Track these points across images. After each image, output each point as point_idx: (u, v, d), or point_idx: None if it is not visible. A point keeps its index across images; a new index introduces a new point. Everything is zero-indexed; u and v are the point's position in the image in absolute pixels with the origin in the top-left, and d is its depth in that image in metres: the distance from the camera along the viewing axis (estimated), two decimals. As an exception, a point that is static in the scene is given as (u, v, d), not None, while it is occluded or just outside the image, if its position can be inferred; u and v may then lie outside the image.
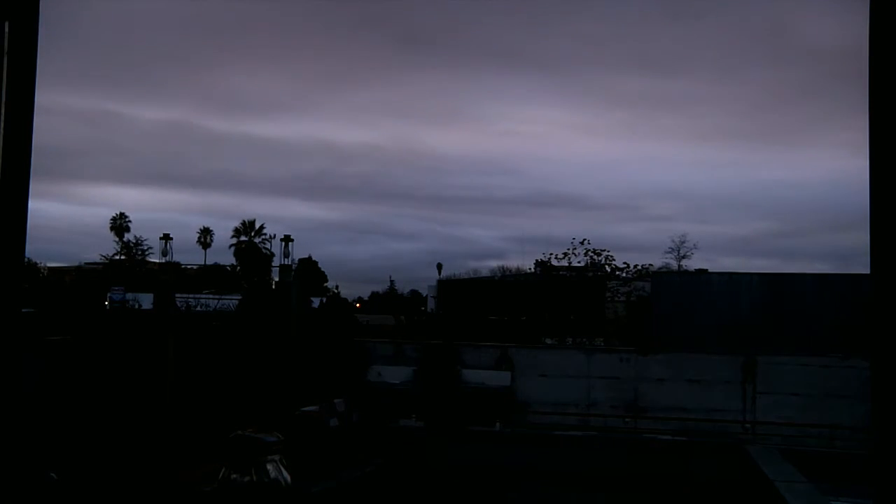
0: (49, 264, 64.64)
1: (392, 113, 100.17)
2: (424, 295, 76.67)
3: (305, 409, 13.91)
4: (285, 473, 9.74)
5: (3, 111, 3.29)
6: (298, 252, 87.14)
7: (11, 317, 3.40)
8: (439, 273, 68.39)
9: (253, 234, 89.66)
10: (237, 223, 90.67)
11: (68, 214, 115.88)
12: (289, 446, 10.18)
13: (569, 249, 26.03)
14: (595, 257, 26.08)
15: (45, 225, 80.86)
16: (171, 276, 65.17)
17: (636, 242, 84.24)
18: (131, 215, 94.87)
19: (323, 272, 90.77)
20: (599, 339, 21.13)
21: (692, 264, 35.33)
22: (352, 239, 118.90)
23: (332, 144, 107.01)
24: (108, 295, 39.02)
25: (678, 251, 35.83)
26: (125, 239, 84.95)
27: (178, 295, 35.22)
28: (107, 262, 73.51)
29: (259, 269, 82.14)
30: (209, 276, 71.77)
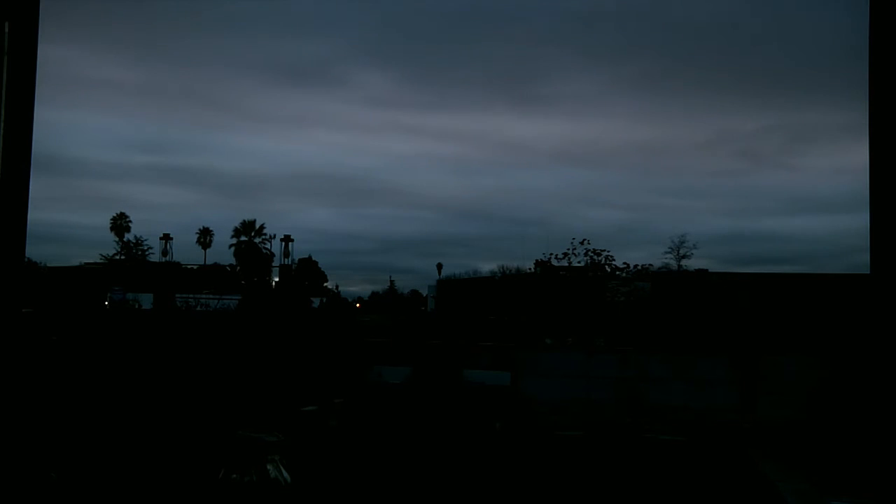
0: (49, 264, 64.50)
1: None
2: (424, 295, 76.68)
3: (305, 409, 13.92)
4: (285, 473, 9.73)
5: (3, 111, 3.28)
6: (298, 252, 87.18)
7: (11, 317, 3.39)
8: (439, 273, 68.46)
9: (253, 234, 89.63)
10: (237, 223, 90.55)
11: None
12: (289, 446, 10.18)
13: (569, 249, 25.99)
14: (595, 257, 26.04)
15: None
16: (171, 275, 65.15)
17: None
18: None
19: (323, 272, 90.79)
20: (600, 339, 21.09)
21: (692, 264, 35.26)
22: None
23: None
24: (109, 295, 39.08)
25: (678, 251, 35.76)
26: (125, 239, 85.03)
27: (177, 294, 35.25)
28: (107, 262, 73.55)
29: (259, 269, 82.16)
30: (209, 276, 71.77)
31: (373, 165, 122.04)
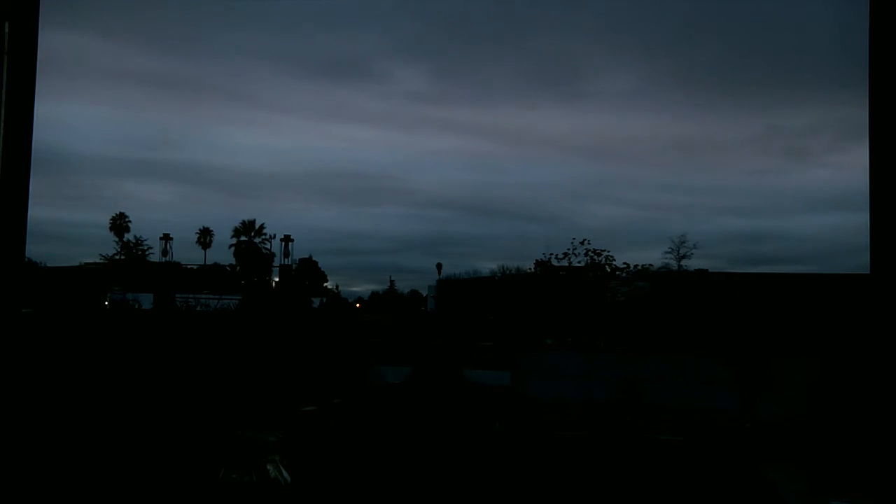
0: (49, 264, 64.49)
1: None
2: (424, 295, 76.72)
3: (305, 408, 13.93)
4: (285, 473, 9.72)
5: (3, 111, 3.29)
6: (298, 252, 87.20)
7: (11, 317, 3.39)
8: (439, 273, 68.49)
9: (253, 234, 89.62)
10: (238, 223, 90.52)
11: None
12: (289, 446, 10.17)
13: (569, 249, 26.03)
14: (595, 257, 26.07)
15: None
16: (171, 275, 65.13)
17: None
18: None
19: (323, 272, 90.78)
20: (600, 339, 21.12)
21: (693, 264, 35.37)
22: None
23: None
24: (109, 295, 39.07)
25: (678, 251, 35.87)
26: (125, 239, 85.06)
27: (178, 295, 35.28)
28: (107, 262, 73.62)
29: (259, 269, 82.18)
30: (209, 276, 71.78)
31: (386, 163, 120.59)
